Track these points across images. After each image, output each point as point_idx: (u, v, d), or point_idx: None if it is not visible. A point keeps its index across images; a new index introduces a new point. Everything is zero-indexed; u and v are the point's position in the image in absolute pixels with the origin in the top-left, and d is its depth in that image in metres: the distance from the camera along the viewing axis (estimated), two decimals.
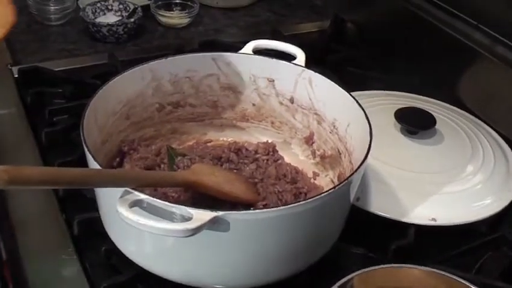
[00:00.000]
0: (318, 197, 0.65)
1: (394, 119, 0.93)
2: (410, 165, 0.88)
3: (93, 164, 0.68)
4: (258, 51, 0.91)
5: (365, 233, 0.81)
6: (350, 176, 0.68)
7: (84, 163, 0.74)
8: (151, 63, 0.85)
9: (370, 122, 0.76)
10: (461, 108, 1.05)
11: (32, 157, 0.93)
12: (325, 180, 0.87)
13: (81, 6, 1.29)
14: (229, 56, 0.89)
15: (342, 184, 0.67)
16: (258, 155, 0.88)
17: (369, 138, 0.73)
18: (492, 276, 0.80)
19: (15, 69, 1.12)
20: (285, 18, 1.42)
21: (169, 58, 0.87)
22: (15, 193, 0.88)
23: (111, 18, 1.28)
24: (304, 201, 0.65)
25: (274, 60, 0.88)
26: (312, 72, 0.86)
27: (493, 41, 1.05)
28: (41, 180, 0.57)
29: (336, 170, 0.85)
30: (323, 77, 0.85)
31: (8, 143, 0.96)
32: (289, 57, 0.90)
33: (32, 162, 0.91)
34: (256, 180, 0.83)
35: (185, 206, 0.61)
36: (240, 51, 0.90)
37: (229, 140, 0.93)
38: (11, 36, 1.25)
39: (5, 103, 1.06)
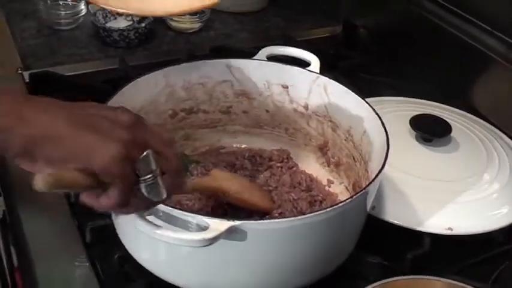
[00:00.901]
0: (335, 206, 0.65)
1: (408, 126, 0.92)
2: (425, 173, 0.87)
3: None
4: (271, 58, 0.90)
5: (381, 242, 0.81)
6: (367, 186, 0.68)
7: None
8: (165, 69, 0.85)
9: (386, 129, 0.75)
10: (475, 115, 1.04)
11: None
12: (340, 188, 0.87)
13: (91, 10, 1.28)
14: (243, 62, 0.88)
15: (359, 194, 0.67)
16: (272, 162, 0.88)
17: (386, 147, 0.73)
18: (509, 286, 0.79)
19: (26, 74, 1.12)
20: (296, 23, 1.41)
21: (182, 64, 0.87)
22: (27, 200, 0.88)
23: (121, 23, 1.28)
24: (321, 211, 0.65)
25: (288, 66, 0.88)
26: (327, 79, 0.86)
27: (508, 47, 1.04)
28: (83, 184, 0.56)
29: (351, 178, 0.85)
30: (338, 84, 0.85)
31: None
32: (303, 64, 0.90)
33: None
34: (270, 188, 0.82)
35: (201, 215, 0.61)
36: (254, 58, 0.90)
37: (242, 146, 0.93)
38: (22, 40, 1.25)
39: None
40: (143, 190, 0.57)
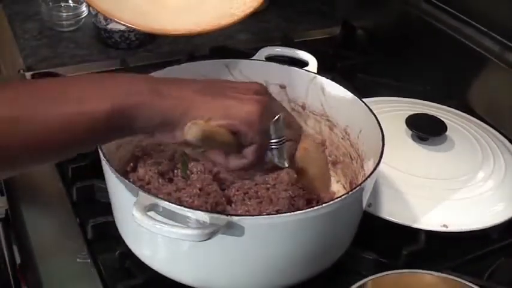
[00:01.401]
0: (331, 202, 0.66)
1: (405, 125, 0.93)
2: (421, 172, 0.89)
3: (108, 170, 0.69)
4: (270, 58, 0.92)
5: (377, 239, 0.82)
6: (363, 181, 0.69)
7: (97, 168, 0.75)
8: (166, 69, 0.86)
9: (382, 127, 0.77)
10: (471, 115, 1.05)
11: None
12: (337, 186, 0.88)
13: (93, 12, 1.29)
14: (242, 62, 0.90)
15: (355, 190, 0.68)
16: None
17: (381, 145, 0.74)
18: (504, 282, 0.80)
19: (28, 75, 1.14)
20: (295, 24, 1.43)
21: (182, 65, 0.88)
22: (30, 197, 0.89)
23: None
24: (318, 207, 0.66)
25: (286, 66, 0.89)
26: (324, 78, 0.87)
27: (503, 48, 1.06)
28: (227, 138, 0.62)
29: (348, 176, 0.86)
30: (335, 84, 0.86)
31: None
32: (301, 64, 0.91)
33: (45, 166, 0.92)
34: (268, 185, 0.83)
35: (200, 210, 0.62)
36: (252, 58, 0.91)
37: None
38: (24, 42, 1.27)
39: None
40: (273, 153, 0.64)
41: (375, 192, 0.84)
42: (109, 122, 0.58)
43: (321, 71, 0.91)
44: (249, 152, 0.64)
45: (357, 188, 0.68)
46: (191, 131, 0.58)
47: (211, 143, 0.62)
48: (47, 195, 0.90)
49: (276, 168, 0.79)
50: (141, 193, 0.63)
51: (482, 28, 1.08)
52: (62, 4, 1.35)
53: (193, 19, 0.85)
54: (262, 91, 0.66)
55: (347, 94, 0.84)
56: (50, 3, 1.33)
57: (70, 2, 1.35)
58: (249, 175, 0.73)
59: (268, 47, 0.93)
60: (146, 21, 0.84)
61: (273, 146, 0.65)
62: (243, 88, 0.65)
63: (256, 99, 0.63)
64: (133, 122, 0.60)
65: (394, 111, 1.00)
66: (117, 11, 0.83)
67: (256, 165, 0.66)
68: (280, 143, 0.65)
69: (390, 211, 0.84)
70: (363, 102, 0.82)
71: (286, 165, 0.67)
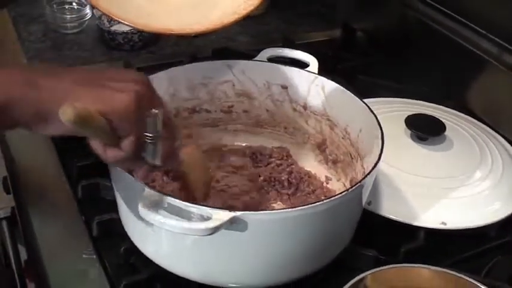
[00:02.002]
0: (332, 198, 0.68)
1: (404, 125, 0.95)
2: (420, 171, 0.90)
3: (114, 168, 0.71)
4: (271, 59, 0.94)
5: (376, 236, 0.83)
6: (363, 179, 0.71)
7: (102, 166, 0.76)
8: (169, 70, 0.88)
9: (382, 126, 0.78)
10: (470, 115, 1.07)
11: (51, 161, 0.95)
12: (338, 185, 0.89)
13: (96, 14, 1.31)
14: (244, 63, 0.91)
15: (355, 186, 0.69)
16: (272, 159, 0.91)
17: (380, 143, 0.75)
18: (501, 279, 0.81)
19: None
20: (296, 26, 1.44)
21: (185, 65, 0.90)
22: (36, 195, 0.91)
23: (126, 26, 1.30)
24: (319, 203, 0.67)
25: (287, 67, 0.91)
26: (325, 79, 0.89)
27: (501, 50, 1.07)
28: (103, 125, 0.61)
29: (348, 175, 0.87)
30: (335, 84, 0.88)
31: (26, 147, 0.99)
32: (302, 65, 0.93)
33: (51, 165, 0.94)
34: (272, 183, 0.85)
35: (205, 206, 0.64)
36: (254, 59, 0.93)
37: (243, 145, 0.96)
38: (28, 44, 1.28)
39: None
40: (146, 149, 0.63)
41: (375, 190, 0.86)
42: None
43: (322, 72, 0.93)
44: (125, 144, 0.62)
45: (357, 185, 0.70)
46: (66, 113, 0.57)
47: (88, 129, 0.60)
48: (53, 193, 0.91)
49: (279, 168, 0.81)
50: (146, 189, 0.65)
51: (481, 30, 1.10)
52: (66, 6, 1.36)
53: (196, 19, 0.86)
54: (140, 81, 0.64)
55: (347, 94, 0.86)
56: (54, 6, 1.34)
57: (74, 4, 1.37)
58: (132, 167, 0.69)
59: (270, 48, 0.95)
60: (150, 22, 0.85)
61: (147, 140, 0.63)
62: (121, 78, 0.64)
63: (131, 89, 0.61)
64: (6, 116, 0.59)
65: (393, 111, 1.02)
66: (122, 12, 0.84)
67: (133, 159, 0.64)
68: (154, 138, 0.63)
69: (390, 209, 0.85)
70: (363, 102, 0.84)
71: (158, 163, 0.65)
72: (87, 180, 0.89)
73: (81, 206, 0.88)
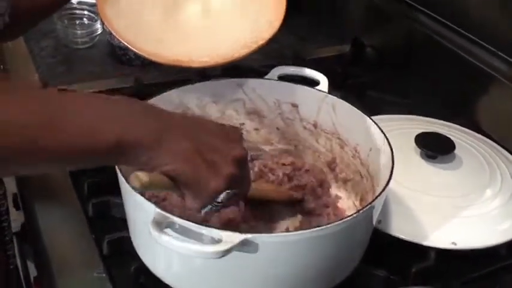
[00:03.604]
0: (342, 220, 0.68)
1: (413, 143, 0.95)
2: (430, 189, 0.90)
3: (125, 187, 0.71)
4: (282, 77, 0.94)
5: (386, 256, 0.83)
6: (373, 200, 0.71)
7: (113, 184, 0.76)
8: (179, 88, 0.88)
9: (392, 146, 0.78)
10: (478, 132, 1.07)
11: (61, 177, 0.96)
12: (348, 203, 0.89)
13: (107, 29, 1.31)
14: (254, 81, 0.92)
15: (366, 208, 0.69)
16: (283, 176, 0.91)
17: (390, 164, 0.75)
18: None
19: None
20: (305, 42, 1.45)
21: (196, 84, 0.90)
22: (46, 211, 0.91)
23: None
24: (329, 225, 0.67)
25: (298, 86, 0.91)
26: (335, 98, 0.89)
27: (509, 66, 1.07)
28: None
29: (358, 194, 0.88)
30: (346, 103, 0.88)
31: None
32: (312, 83, 0.93)
33: (61, 182, 0.95)
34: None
35: (215, 228, 0.64)
36: (265, 77, 0.93)
37: (254, 162, 0.96)
38: (40, 59, 1.29)
39: None
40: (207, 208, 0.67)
41: (385, 209, 0.86)
42: (109, 154, 0.61)
43: (331, 88, 0.93)
44: (188, 203, 0.67)
45: (368, 207, 0.70)
46: (132, 182, 0.63)
47: (159, 188, 0.66)
48: (63, 211, 0.92)
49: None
50: (157, 211, 0.65)
51: (489, 47, 1.10)
52: (77, 22, 1.37)
53: (207, 50, 0.87)
54: (240, 160, 0.67)
55: (357, 113, 0.86)
56: (65, 21, 1.35)
57: (85, 19, 1.37)
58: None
59: (281, 67, 0.95)
60: (159, 50, 0.85)
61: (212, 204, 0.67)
62: (224, 153, 0.66)
63: (228, 174, 0.65)
64: (126, 159, 0.63)
65: (403, 129, 1.02)
66: (131, 35, 0.85)
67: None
68: (217, 206, 0.67)
69: (399, 228, 0.85)
70: (373, 121, 0.84)
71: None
72: (97, 198, 0.89)
73: (91, 224, 0.88)
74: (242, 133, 0.72)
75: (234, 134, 0.70)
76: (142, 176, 0.62)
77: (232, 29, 0.91)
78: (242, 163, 0.67)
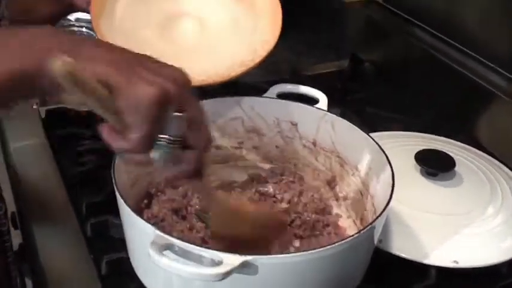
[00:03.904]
0: (344, 241, 0.67)
1: (413, 160, 0.95)
2: (431, 207, 0.90)
3: (124, 207, 0.71)
4: (281, 95, 0.94)
5: (387, 274, 0.83)
6: (374, 220, 0.70)
7: (111, 203, 0.76)
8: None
9: (392, 164, 0.78)
10: (479, 149, 1.06)
11: (59, 197, 0.95)
12: (348, 222, 0.89)
13: None
14: (253, 99, 0.92)
15: (366, 228, 0.69)
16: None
17: (391, 183, 0.75)
18: None
19: (42, 110, 1.15)
20: (304, 57, 1.45)
21: None
22: (44, 232, 0.91)
23: None
24: (330, 246, 0.67)
25: (297, 104, 0.91)
26: (335, 116, 0.89)
27: (509, 83, 1.07)
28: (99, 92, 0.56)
29: (359, 212, 0.87)
30: (345, 121, 0.87)
31: (36, 183, 0.99)
32: (311, 101, 0.93)
33: (60, 202, 0.94)
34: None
35: (215, 250, 0.63)
36: (264, 95, 0.93)
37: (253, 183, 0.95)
38: None
39: (32, 144, 1.09)
40: (156, 152, 0.58)
41: (385, 227, 0.85)
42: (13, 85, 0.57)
43: (330, 104, 0.93)
44: (131, 136, 0.57)
45: (368, 227, 0.69)
46: (58, 62, 0.52)
47: (81, 91, 0.55)
48: (61, 230, 0.91)
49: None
50: (157, 233, 0.64)
51: (490, 64, 1.10)
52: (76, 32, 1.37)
53: (204, 67, 0.87)
54: (178, 80, 0.58)
55: (357, 131, 0.86)
56: None
57: (84, 29, 1.37)
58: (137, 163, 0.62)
59: (279, 84, 0.95)
60: None
61: (161, 142, 0.58)
62: (159, 71, 0.58)
63: (162, 85, 0.56)
64: (34, 82, 0.57)
65: (403, 146, 1.01)
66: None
67: (138, 152, 0.59)
68: (172, 143, 0.58)
69: (400, 247, 0.85)
70: (373, 139, 0.83)
71: (165, 172, 0.61)
72: (96, 218, 0.88)
73: (90, 244, 0.87)
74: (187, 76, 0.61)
75: (178, 69, 0.61)
76: (68, 59, 0.52)
77: (229, 47, 0.91)
78: (186, 90, 0.59)
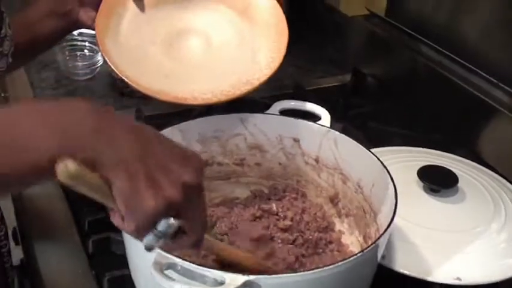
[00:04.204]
0: (347, 260, 0.67)
1: (416, 176, 0.94)
2: (433, 224, 0.89)
3: None
4: (284, 112, 0.94)
5: None
6: (378, 239, 0.70)
7: None
8: (181, 124, 0.88)
9: (394, 181, 0.78)
10: (482, 165, 1.06)
11: (61, 213, 0.95)
12: (351, 239, 0.89)
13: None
14: (256, 116, 0.92)
15: (370, 247, 0.69)
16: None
17: (394, 201, 0.75)
18: None
19: None
20: (306, 72, 1.45)
21: (197, 119, 0.90)
22: (45, 248, 0.90)
23: None
24: (332, 265, 0.66)
25: (299, 120, 0.91)
26: (337, 133, 0.89)
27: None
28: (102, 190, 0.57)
29: (361, 229, 0.87)
30: (348, 138, 0.87)
31: (38, 198, 0.99)
32: (314, 117, 0.93)
33: (62, 219, 0.94)
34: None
35: (218, 270, 0.63)
36: (266, 112, 0.93)
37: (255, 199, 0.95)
38: (41, 90, 1.29)
39: None
40: (149, 238, 0.59)
41: (388, 244, 0.84)
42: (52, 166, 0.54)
43: (333, 119, 0.93)
44: (126, 224, 0.58)
45: (372, 246, 0.69)
46: (61, 168, 0.53)
47: (88, 187, 0.55)
48: (63, 247, 0.91)
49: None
50: (159, 252, 0.64)
51: (492, 79, 1.10)
52: (78, 53, 1.38)
53: (211, 85, 0.87)
54: (190, 186, 0.58)
55: (359, 148, 0.86)
56: (66, 53, 1.36)
57: (86, 51, 1.38)
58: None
59: (282, 101, 0.95)
60: (163, 87, 0.85)
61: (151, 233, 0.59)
62: (175, 175, 0.57)
63: (170, 198, 0.56)
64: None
65: (405, 161, 1.01)
66: (134, 72, 0.85)
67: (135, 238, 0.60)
68: (161, 236, 0.59)
69: (403, 264, 0.84)
70: (376, 156, 0.83)
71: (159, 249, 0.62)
72: (98, 235, 0.88)
73: (91, 261, 0.87)
74: (204, 163, 0.62)
75: (193, 159, 0.61)
76: (71, 165, 0.53)
77: (235, 65, 0.91)
78: (192, 192, 0.58)
